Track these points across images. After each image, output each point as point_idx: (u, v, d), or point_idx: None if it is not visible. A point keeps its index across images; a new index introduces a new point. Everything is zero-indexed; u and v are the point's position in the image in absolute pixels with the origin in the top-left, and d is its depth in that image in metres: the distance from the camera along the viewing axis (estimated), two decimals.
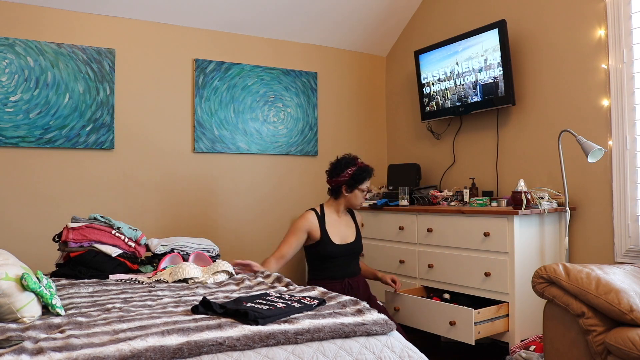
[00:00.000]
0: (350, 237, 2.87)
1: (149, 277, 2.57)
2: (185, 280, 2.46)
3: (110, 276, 2.58)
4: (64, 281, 2.44)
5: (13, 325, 1.65)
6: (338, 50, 4.51)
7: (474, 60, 3.59)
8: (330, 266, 2.80)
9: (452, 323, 2.88)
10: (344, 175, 2.80)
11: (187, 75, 3.85)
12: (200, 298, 1.97)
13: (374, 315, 1.78)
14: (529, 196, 2.91)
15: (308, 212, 2.84)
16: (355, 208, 2.92)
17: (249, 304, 1.83)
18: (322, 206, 2.90)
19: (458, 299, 3.24)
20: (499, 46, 3.40)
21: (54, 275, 2.59)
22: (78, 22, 3.48)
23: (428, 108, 4.01)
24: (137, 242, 2.85)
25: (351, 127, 4.54)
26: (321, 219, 2.81)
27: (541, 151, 3.34)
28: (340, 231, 2.85)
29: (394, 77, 4.63)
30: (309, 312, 1.79)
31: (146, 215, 3.66)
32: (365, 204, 3.81)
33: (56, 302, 1.83)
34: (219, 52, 3.97)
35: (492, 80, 3.48)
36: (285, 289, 2.27)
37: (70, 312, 1.86)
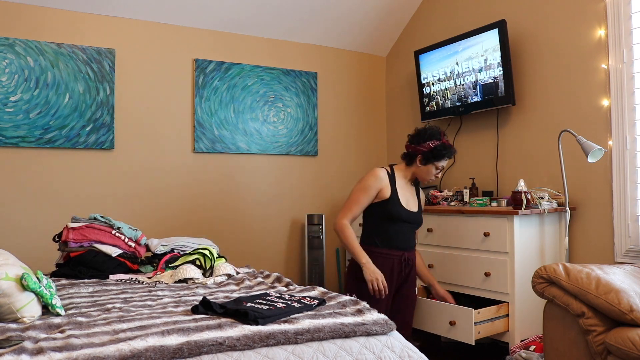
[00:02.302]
0: (414, 207, 2.73)
1: (149, 277, 2.57)
2: (185, 281, 2.47)
3: (110, 276, 2.58)
4: (64, 281, 2.44)
5: (13, 325, 1.65)
6: (338, 50, 4.51)
7: (474, 60, 3.59)
8: (393, 232, 2.65)
9: (452, 323, 2.88)
10: (425, 146, 2.64)
11: (187, 75, 3.85)
12: (200, 298, 1.97)
13: (374, 315, 1.78)
14: (529, 196, 2.91)
15: (378, 169, 2.66)
16: (424, 182, 2.78)
17: (249, 304, 1.83)
18: (392, 167, 2.74)
19: (458, 299, 3.24)
20: (499, 46, 3.40)
21: (54, 275, 2.60)
22: (78, 22, 3.48)
23: (428, 108, 4.01)
24: (137, 242, 2.86)
25: (351, 127, 4.54)
26: (392, 178, 2.66)
27: (541, 151, 3.34)
28: (407, 197, 2.70)
29: (394, 77, 4.63)
30: (309, 312, 1.79)
31: (146, 215, 3.65)
32: None
33: (56, 302, 1.83)
34: (219, 52, 3.97)
35: (492, 80, 3.48)
36: (285, 289, 2.27)
37: (70, 312, 1.86)
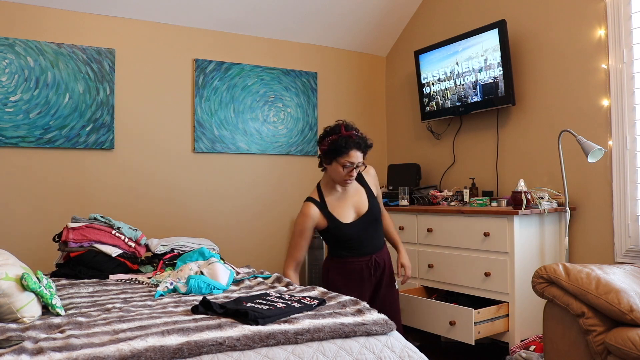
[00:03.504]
0: (363, 207, 2.50)
1: (149, 277, 2.57)
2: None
3: (110, 276, 2.58)
4: (64, 281, 2.44)
5: (13, 325, 1.65)
6: (338, 50, 4.51)
7: (474, 60, 3.59)
8: (353, 244, 2.48)
9: (452, 323, 2.88)
10: (324, 144, 2.41)
11: (187, 75, 3.85)
12: (201, 298, 1.97)
13: (374, 315, 1.78)
14: (529, 196, 2.91)
15: (306, 205, 2.48)
16: (341, 185, 2.48)
17: (249, 304, 1.83)
18: (318, 187, 2.54)
19: (458, 299, 3.24)
20: (499, 46, 3.40)
21: (54, 275, 2.60)
22: (78, 22, 3.48)
23: (428, 108, 4.01)
24: (137, 242, 2.86)
25: None
26: (321, 205, 2.47)
27: (541, 151, 3.34)
28: (349, 206, 2.49)
29: (394, 77, 4.63)
30: (309, 312, 1.79)
31: (146, 215, 3.65)
32: None
33: (56, 302, 1.83)
34: (219, 52, 3.97)
35: (492, 80, 3.48)
36: (285, 289, 2.27)
37: (70, 312, 1.86)
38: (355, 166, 2.41)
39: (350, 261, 2.49)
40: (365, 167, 2.52)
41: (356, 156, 2.40)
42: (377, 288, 2.56)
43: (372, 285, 2.53)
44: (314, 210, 2.46)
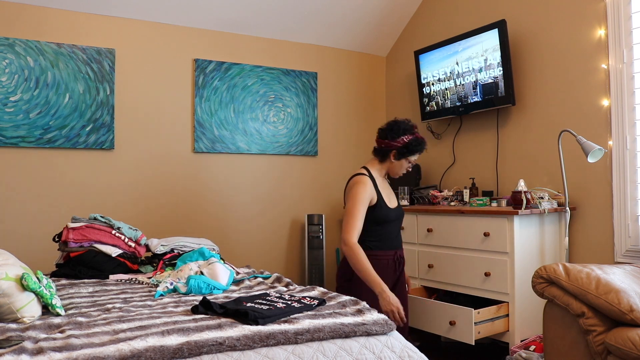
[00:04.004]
0: (394, 202, 2.66)
1: (149, 277, 2.57)
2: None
3: (110, 276, 2.58)
4: (64, 281, 2.44)
5: (13, 325, 1.65)
6: (338, 50, 4.51)
7: (474, 60, 3.59)
8: (384, 233, 2.57)
9: (452, 323, 2.88)
10: (399, 141, 2.55)
11: (187, 75, 3.85)
12: (201, 298, 1.97)
13: (374, 315, 1.78)
14: (529, 196, 2.91)
15: (362, 177, 2.55)
16: (395, 177, 2.70)
17: (249, 304, 1.83)
18: (367, 169, 2.64)
19: (458, 299, 3.24)
20: (499, 46, 3.40)
21: (54, 275, 2.60)
22: (78, 22, 3.48)
23: (428, 108, 4.01)
24: (137, 242, 2.86)
25: (351, 127, 4.54)
26: (374, 182, 2.58)
27: (541, 151, 3.34)
28: (388, 195, 2.65)
29: (394, 77, 4.63)
30: (309, 312, 1.79)
31: (146, 215, 3.66)
32: None
33: (56, 302, 1.83)
34: (219, 52, 3.97)
35: (492, 80, 3.48)
36: (285, 289, 2.27)
37: (70, 312, 1.86)
38: (413, 163, 2.68)
39: (379, 255, 2.54)
40: None
41: (417, 156, 2.66)
42: (395, 284, 2.61)
43: (393, 281, 2.58)
44: (370, 183, 2.56)
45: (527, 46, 3.43)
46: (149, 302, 1.99)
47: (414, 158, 2.62)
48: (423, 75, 4.02)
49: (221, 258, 2.70)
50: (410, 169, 2.67)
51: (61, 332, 1.57)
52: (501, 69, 3.40)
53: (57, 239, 2.74)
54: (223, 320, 1.68)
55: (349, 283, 2.52)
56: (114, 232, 2.76)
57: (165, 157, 3.76)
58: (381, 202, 2.56)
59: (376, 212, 2.54)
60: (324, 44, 4.42)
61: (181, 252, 2.89)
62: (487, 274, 2.97)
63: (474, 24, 3.72)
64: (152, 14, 3.67)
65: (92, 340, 1.47)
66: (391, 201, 2.64)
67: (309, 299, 1.93)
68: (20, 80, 3.27)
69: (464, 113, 3.74)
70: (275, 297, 1.97)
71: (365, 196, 2.50)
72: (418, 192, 3.83)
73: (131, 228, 2.88)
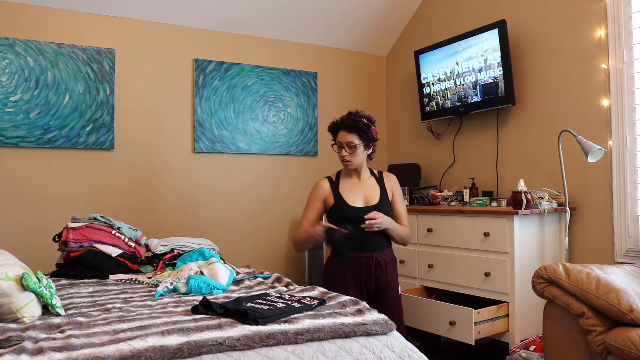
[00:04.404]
0: (373, 199, 2.55)
1: (149, 277, 2.57)
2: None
3: (110, 276, 2.58)
4: (64, 281, 2.44)
5: (13, 325, 1.65)
6: (338, 50, 4.51)
7: (474, 60, 3.59)
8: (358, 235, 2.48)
9: (452, 323, 2.88)
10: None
11: (187, 75, 3.85)
12: (201, 298, 1.97)
13: (374, 315, 1.78)
14: (529, 196, 2.91)
15: (320, 181, 2.61)
16: (343, 166, 2.59)
17: (249, 304, 1.83)
18: (338, 171, 2.65)
19: (458, 299, 3.24)
20: (499, 46, 3.40)
21: (54, 275, 2.60)
22: (78, 22, 3.48)
23: (428, 108, 4.01)
24: (137, 242, 2.86)
25: None
26: (334, 184, 2.57)
27: (541, 151, 3.34)
28: (359, 193, 2.56)
29: (394, 77, 4.63)
30: (309, 312, 1.79)
31: (146, 215, 3.65)
32: None
33: (56, 302, 1.83)
34: (219, 52, 3.97)
35: (492, 80, 3.48)
36: (285, 289, 2.27)
37: (70, 312, 1.86)
38: (347, 147, 2.50)
39: (352, 257, 2.47)
40: (364, 149, 2.56)
41: (343, 136, 2.50)
42: (378, 292, 2.53)
43: (370, 285, 2.51)
44: (325, 184, 2.59)
45: (527, 46, 3.43)
46: (149, 302, 1.99)
47: (337, 140, 2.52)
48: (423, 75, 4.02)
49: (221, 258, 2.70)
50: (344, 156, 2.52)
51: (61, 332, 1.57)
52: (501, 69, 3.40)
53: (57, 239, 2.74)
54: (223, 320, 1.68)
55: (328, 275, 2.56)
56: (114, 232, 2.76)
57: (165, 157, 3.76)
58: (340, 202, 2.53)
59: (334, 211, 2.55)
60: (324, 44, 4.42)
61: (181, 252, 2.89)
62: (487, 274, 2.97)
63: (474, 24, 3.72)
64: (152, 14, 3.67)
65: (92, 340, 1.47)
66: (366, 200, 2.55)
67: (309, 299, 1.93)
68: (20, 80, 3.27)
69: (464, 113, 3.74)
70: (275, 297, 1.97)
71: (312, 197, 2.59)
72: (418, 192, 3.83)
73: (131, 228, 2.88)
